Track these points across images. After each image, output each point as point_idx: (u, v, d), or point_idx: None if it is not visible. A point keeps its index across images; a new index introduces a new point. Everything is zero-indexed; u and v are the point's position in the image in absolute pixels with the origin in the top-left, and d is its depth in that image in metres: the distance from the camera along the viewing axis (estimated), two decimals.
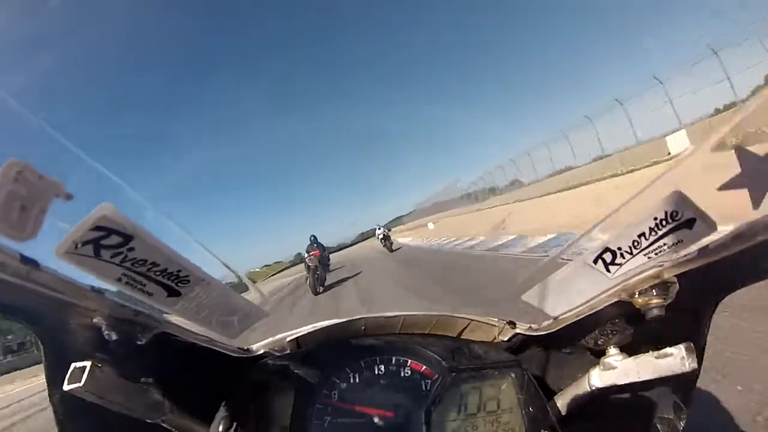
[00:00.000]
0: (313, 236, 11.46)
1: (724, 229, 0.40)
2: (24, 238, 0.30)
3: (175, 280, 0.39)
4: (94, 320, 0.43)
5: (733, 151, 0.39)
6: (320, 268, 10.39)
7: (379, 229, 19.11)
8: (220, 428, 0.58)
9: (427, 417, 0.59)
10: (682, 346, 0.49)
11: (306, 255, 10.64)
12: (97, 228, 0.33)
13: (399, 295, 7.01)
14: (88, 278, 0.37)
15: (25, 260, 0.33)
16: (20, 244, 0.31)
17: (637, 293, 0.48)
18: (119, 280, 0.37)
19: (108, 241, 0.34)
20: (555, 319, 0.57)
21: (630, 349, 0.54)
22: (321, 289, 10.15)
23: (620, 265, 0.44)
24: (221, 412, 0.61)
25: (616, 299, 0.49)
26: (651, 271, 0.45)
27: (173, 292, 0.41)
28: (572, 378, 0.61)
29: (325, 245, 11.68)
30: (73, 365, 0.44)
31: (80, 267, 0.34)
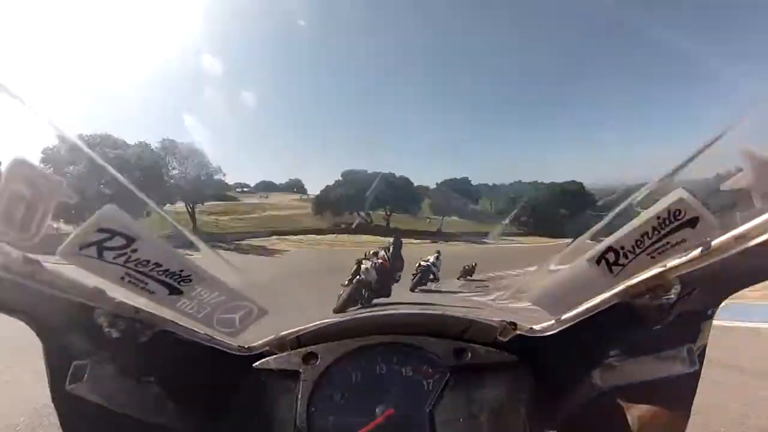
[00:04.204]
0: (397, 237, 6.79)
1: (726, 229, 0.40)
2: (28, 240, 0.30)
3: (177, 279, 0.40)
4: (96, 318, 0.43)
5: (739, 152, 0.39)
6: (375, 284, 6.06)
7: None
8: (223, 428, 0.59)
9: (429, 416, 0.59)
10: (683, 348, 0.49)
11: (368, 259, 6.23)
12: (101, 230, 0.33)
13: None
14: (90, 277, 0.37)
15: (29, 260, 0.33)
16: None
17: (639, 294, 0.48)
18: (122, 279, 0.37)
19: (112, 243, 0.34)
20: (557, 320, 0.57)
21: (631, 351, 0.54)
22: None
23: (623, 265, 0.44)
24: (224, 412, 0.61)
25: (618, 300, 0.49)
26: (653, 272, 0.45)
27: (175, 291, 0.41)
28: (574, 379, 0.61)
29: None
30: (74, 364, 0.44)
31: (84, 268, 0.34)
